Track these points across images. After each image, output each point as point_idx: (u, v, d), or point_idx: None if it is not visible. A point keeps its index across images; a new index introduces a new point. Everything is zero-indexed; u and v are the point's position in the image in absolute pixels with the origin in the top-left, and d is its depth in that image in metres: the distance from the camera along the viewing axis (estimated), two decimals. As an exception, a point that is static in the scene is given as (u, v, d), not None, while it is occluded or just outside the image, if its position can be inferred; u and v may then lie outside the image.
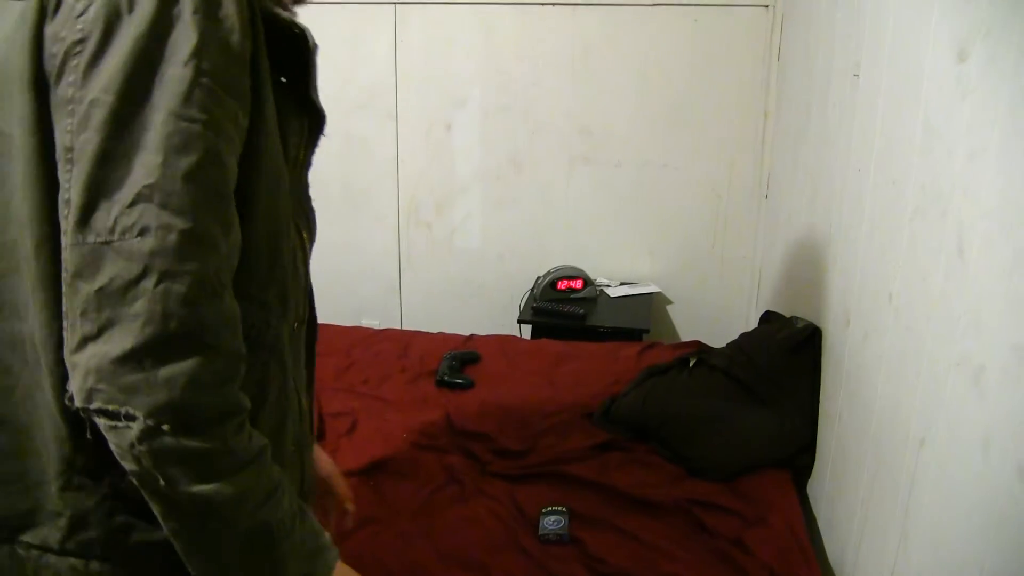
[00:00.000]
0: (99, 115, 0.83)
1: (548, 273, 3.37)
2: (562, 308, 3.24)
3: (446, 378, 2.66)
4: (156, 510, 0.88)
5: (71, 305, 0.83)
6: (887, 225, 1.70)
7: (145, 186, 0.82)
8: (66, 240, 0.83)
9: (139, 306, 0.80)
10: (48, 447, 0.94)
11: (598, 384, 2.62)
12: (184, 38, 0.84)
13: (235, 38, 0.87)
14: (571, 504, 1.97)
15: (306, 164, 1.12)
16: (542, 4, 3.29)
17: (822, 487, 2.16)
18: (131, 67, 0.83)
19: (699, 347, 2.92)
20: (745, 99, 3.27)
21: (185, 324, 0.82)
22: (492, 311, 3.58)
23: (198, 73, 0.84)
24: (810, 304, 2.36)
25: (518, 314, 3.34)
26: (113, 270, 0.81)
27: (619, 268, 3.54)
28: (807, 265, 2.45)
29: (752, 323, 3.07)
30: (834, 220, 2.14)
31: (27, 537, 0.96)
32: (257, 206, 0.95)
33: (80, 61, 0.84)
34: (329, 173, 3.45)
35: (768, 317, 2.67)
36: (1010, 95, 1.16)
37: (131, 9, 0.84)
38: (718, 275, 3.49)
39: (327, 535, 1.03)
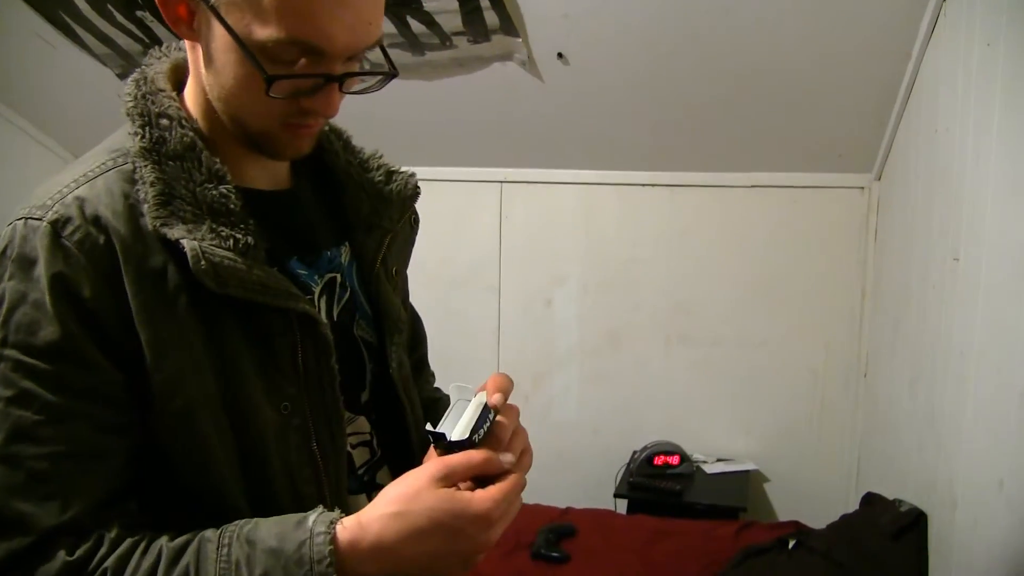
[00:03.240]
0: None
1: (645, 448, 3.36)
2: (658, 484, 3.21)
3: (542, 551, 2.65)
4: None
5: None
6: (994, 409, 1.68)
7: None
8: None
9: None
10: None
11: (696, 564, 2.57)
12: (3, 308, 0.86)
13: (52, 296, 0.84)
14: None
15: (320, 365, 0.99)
16: (642, 185, 3.43)
17: None
18: None
19: (798, 528, 2.86)
20: (842, 278, 3.30)
21: None
22: (587, 484, 3.56)
23: (2, 345, 0.85)
24: (914, 487, 2.31)
25: (614, 488, 3.32)
26: None
27: (715, 444, 3.51)
28: (909, 447, 2.41)
29: (852, 504, 2.99)
30: (936, 402, 2.12)
31: None
32: (174, 441, 0.90)
33: None
34: (429, 343, 3.54)
35: (870, 499, 2.61)
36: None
37: None
38: (816, 454, 3.43)
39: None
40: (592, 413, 3.60)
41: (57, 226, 0.86)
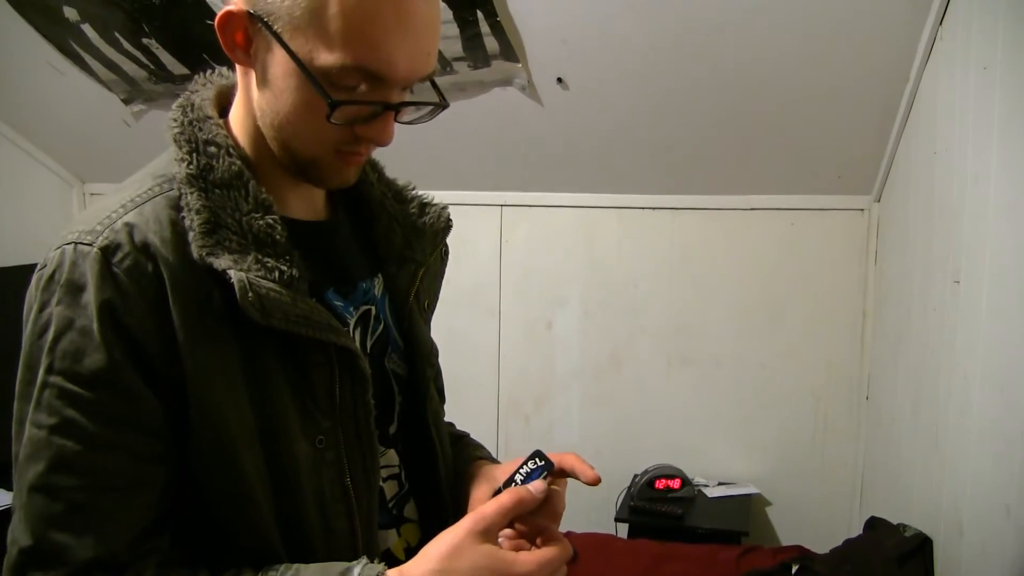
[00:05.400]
0: (14, 418, 0.88)
1: (646, 472, 3.35)
2: (660, 508, 3.20)
3: (543, 576, 2.63)
4: None
5: None
6: (999, 433, 1.68)
7: (14, 498, 0.86)
8: None
9: None
10: None
11: (698, 588, 2.56)
12: (49, 333, 0.85)
13: (99, 324, 0.84)
14: None
15: (356, 400, 0.99)
16: (642, 208, 3.44)
17: None
18: (21, 372, 0.87)
19: (801, 552, 2.84)
20: (843, 300, 3.30)
21: None
22: (588, 507, 3.55)
23: (48, 371, 0.85)
24: (918, 511, 2.30)
25: (615, 512, 3.30)
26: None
27: (717, 467, 3.50)
28: (913, 470, 2.40)
29: (855, 528, 2.98)
30: (940, 425, 2.12)
31: None
32: (211, 476, 0.90)
33: None
34: (431, 366, 3.55)
35: (874, 523, 2.60)
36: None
37: (29, 306, 0.88)
38: (818, 477, 3.42)
39: None
40: (593, 435, 3.59)
41: (107, 253, 0.86)
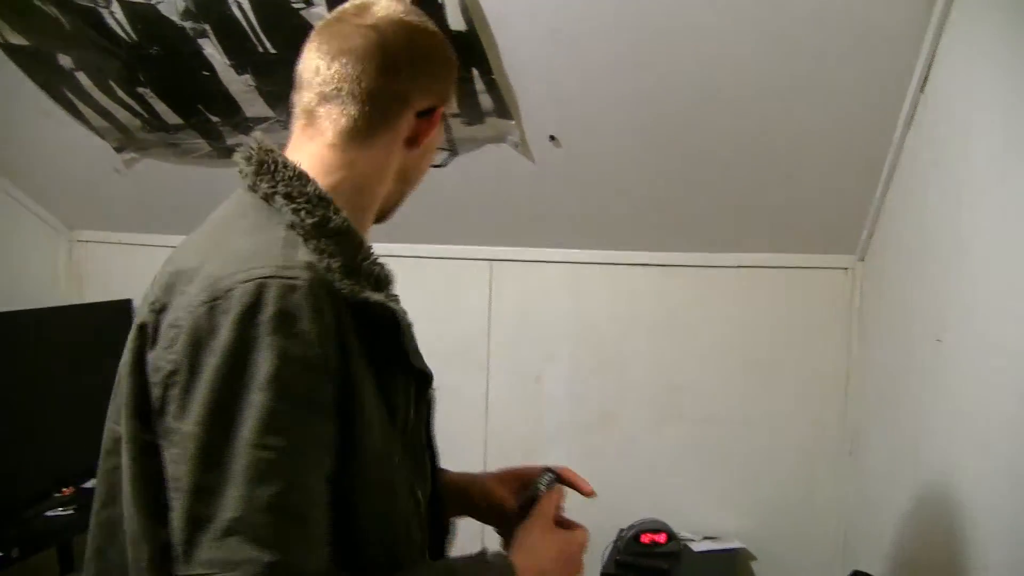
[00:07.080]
0: (192, 447, 0.89)
1: (632, 526, 3.34)
2: (645, 563, 3.18)
3: (528, 632, 2.60)
4: None
5: None
6: (983, 492, 1.69)
7: (232, 519, 0.86)
8: (175, 567, 0.89)
9: None
10: None
11: (684, 646, 2.53)
12: (262, 360, 0.89)
13: (313, 352, 0.92)
14: None
15: (420, 421, 1.19)
16: (631, 264, 3.46)
17: None
18: (215, 397, 0.89)
19: (788, 611, 2.83)
20: (828, 358, 3.32)
21: None
22: (573, 563, 3.53)
23: (275, 397, 0.89)
24: (906, 567, 2.30)
25: (600, 567, 3.28)
26: None
27: (703, 521, 3.48)
28: (898, 526, 2.40)
29: (841, 584, 2.96)
30: (924, 483, 2.13)
31: None
32: (365, 491, 1.02)
33: (175, 392, 0.92)
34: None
35: (859, 579, 2.59)
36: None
37: (212, 337, 0.91)
38: (804, 532, 3.40)
39: None
40: (580, 491, 3.57)
41: (314, 286, 0.94)
